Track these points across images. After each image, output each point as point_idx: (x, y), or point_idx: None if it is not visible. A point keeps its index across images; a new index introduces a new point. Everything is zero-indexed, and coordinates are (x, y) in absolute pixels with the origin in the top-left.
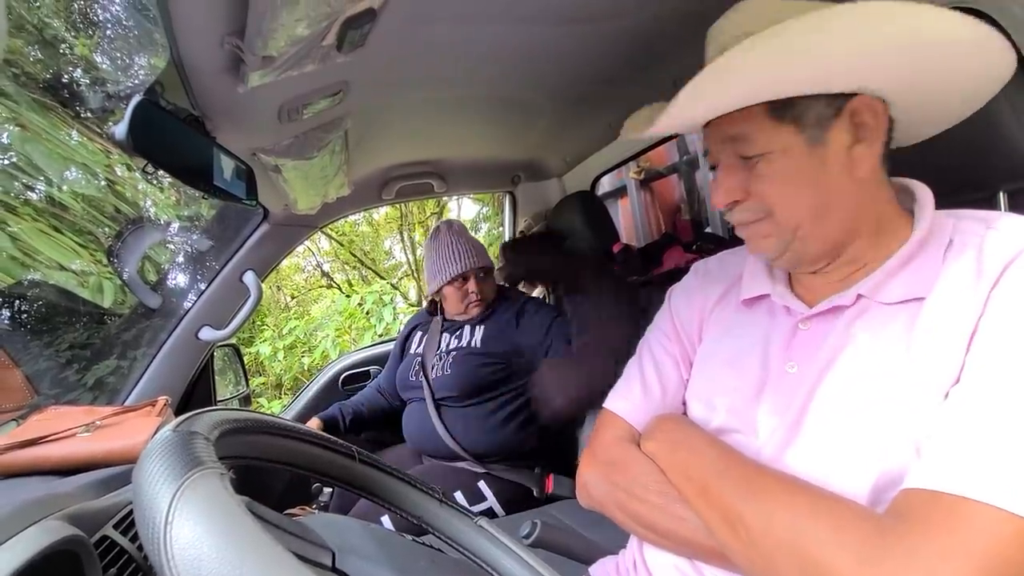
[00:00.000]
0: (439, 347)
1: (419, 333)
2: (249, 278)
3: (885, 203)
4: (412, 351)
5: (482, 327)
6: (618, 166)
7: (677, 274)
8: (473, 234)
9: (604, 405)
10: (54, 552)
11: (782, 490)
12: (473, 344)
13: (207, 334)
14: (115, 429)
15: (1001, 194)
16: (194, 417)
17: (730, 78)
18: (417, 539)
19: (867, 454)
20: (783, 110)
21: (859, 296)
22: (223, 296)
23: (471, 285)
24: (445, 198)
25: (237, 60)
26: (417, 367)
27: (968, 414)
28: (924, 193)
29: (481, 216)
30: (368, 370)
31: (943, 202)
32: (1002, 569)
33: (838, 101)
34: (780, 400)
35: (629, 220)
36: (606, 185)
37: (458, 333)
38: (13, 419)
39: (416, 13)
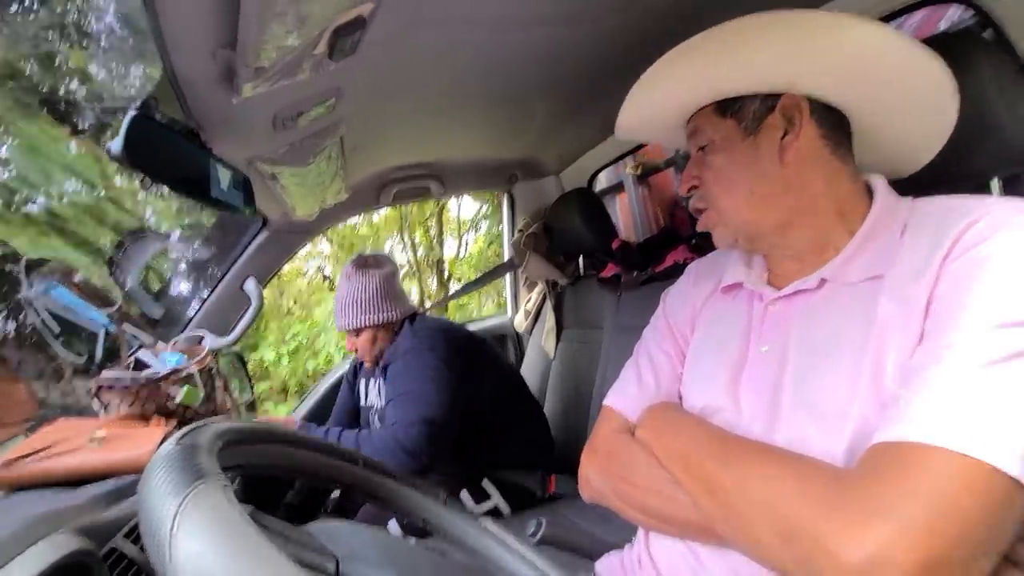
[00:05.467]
0: (366, 399)
1: (362, 379)
2: (250, 285)
3: (844, 191)
4: (362, 403)
5: (381, 382)
6: (614, 162)
7: (677, 270)
8: (473, 232)
9: (604, 402)
10: (64, 566)
11: (755, 456)
12: (382, 405)
13: (210, 342)
14: (122, 440)
15: (994, 182)
16: (196, 430)
17: (670, 83)
18: (421, 541)
19: (839, 422)
20: (726, 107)
21: (822, 280)
22: (225, 303)
23: (347, 341)
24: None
25: (230, 71)
26: (373, 420)
27: (925, 373)
28: (878, 182)
29: (481, 214)
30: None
31: (937, 191)
32: (955, 507)
33: (771, 100)
34: (757, 379)
35: (628, 216)
36: (603, 181)
37: (371, 384)
38: (20, 432)
39: (406, 19)
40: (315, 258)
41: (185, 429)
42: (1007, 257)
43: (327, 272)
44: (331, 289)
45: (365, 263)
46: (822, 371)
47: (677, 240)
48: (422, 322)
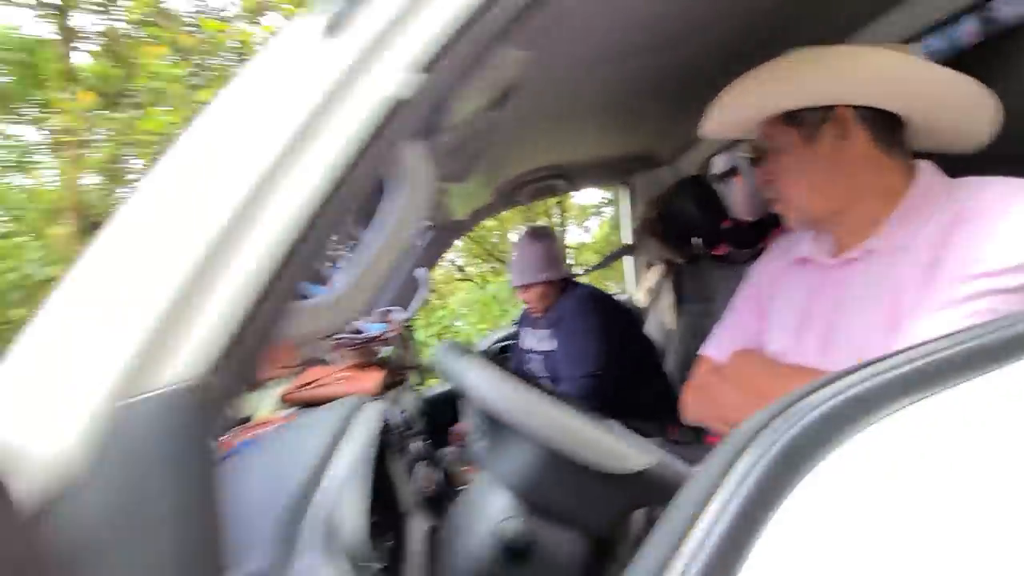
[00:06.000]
0: (525, 343)
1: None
2: (420, 273)
3: (891, 179)
4: (523, 345)
5: (544, 332)
6: (722, 150)
7: None
8: (597, 218)
9: (700, 352)
10: (385, 420)
11: (794, 376)
12: (541, 349)
13: (397, 314)
14: (355, 379)
15: None
16: (455, 342)
17: (744, 99)
18: None
19: (866, 355)
20: (792, 118)
21: (866, 251)
22: (404, 287)
23: (520, 295)
24: None
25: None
26: (529, 360)
27: (917, 323)
28: (922, 169)
29: (604, 200)
30: (508, 344)
31: (1004, 168)
32: None
33: (826, 111)
34: (815, 328)
35: (742, 197)
36: (720, 165)
37: (530, 332)
38: (292, 372)
39: (544, 62)
40: (449, 251)
41: (448, 340)
42: (982, 229)
43: (459, 263)
44: (463, 279)
45: (535, 234)
46: (858, 322)
47: (780, 220)
48: (582, 290)
